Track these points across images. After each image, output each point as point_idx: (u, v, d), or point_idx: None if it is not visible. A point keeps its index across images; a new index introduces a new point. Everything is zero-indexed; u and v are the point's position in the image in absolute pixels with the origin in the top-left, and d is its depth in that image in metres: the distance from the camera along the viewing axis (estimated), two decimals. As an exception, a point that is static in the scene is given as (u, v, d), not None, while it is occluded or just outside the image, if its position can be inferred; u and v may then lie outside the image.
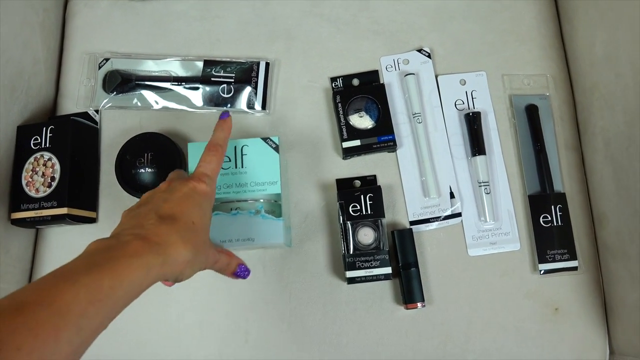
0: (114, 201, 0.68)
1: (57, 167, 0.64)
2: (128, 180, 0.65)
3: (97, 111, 0.70)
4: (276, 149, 0.59)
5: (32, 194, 0.64)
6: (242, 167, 0.59)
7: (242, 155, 0.59)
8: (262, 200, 0.59)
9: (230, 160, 0.59)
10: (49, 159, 0.64)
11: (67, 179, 0.63)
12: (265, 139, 0.60)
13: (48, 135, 0.65)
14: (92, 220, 0.67)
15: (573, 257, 0.64)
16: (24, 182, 0.64)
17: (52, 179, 0.64)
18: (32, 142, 0.65)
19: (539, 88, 0.69)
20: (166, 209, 0.46)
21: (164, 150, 0.65)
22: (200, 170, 0.52)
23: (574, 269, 0.64)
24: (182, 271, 0.45)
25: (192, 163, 0.59)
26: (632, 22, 0.56)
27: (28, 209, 0.63)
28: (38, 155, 0.65)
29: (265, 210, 0.58)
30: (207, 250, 0.49)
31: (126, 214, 0.49)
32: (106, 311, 0.37)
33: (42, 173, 0.64)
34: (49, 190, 0.63)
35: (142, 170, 0.64)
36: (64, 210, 0.62)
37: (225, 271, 0.53)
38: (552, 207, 0.65)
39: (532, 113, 0.67)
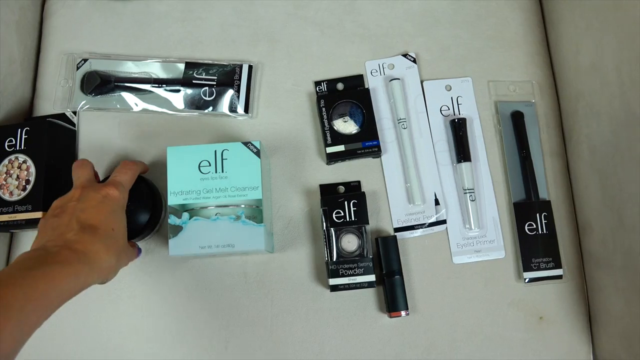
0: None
1: (33, 170, 0.62)
2: None
3: (74, 113, 0.68)
4: (257, 153, 0.58)
5: (6, 197, 0.62)
6: (223, 171, 0.58)
7: (222, 159, 0.58)
8: (243, 206, 0.58)
9: (210, 165, 0.58)
10: (24, 162, 0.62)
11: (42, 183, 0.61)
12: (246, 143, 0.58)
13: (23, 137, 0.63)
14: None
15: (558, 265, 0.63)
16: None
17: (27, 182, 0.61)
18: (6, 143, 0.63)
19: (524, 95, 0.68)
20: (85, 218, 0.49)
21: (139, 192, 0.61)
22: (114, 178, 0.56)
23: (559, 277, 0.63)
24: (107, 275, 0.50)
25: (172, 167, 0.57)
26: (618, 30, 0.56)
27: (1, 213, 0.61)
28: (12, 157, 0.62)
29: (246, 216, 0.57)
30: (127, 251, 0.54)
31: (43, 224, 0.51)
32: (41, 310, 0.40)
33: (16, 176, 0.62)
34: (23, 194, 0.61)
35: None
36: (38, 215, 0.60)
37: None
38: (537, 214, 0.64)
39: (517, 120, 0.67)
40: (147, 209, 0.61)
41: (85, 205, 0.51)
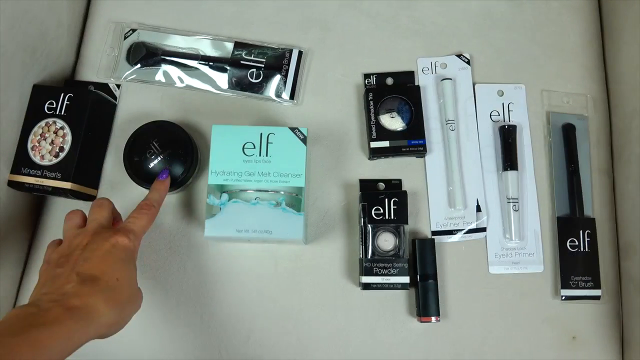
0: (115, 182, 0.65)
1: (69, 138, 0.61)
2: (136, 169, 0.60)
3: (117, 86, 0.67)
4: (304, 140, 0.57)
5: (37, 159, 0.61)
6: (267, 155, 0.56)
7: (267, 143, 0.57)
8: (283, 193, 0.56)
9: (254, 147, 0.56)
10: (61, 128, 0.61)
11: (76, 153, 0.60)
12: (293, 129, 0.57)
13: (65, 102, 0.62)
14: (92, 198, 0.64)
15: (597, 285, 0.62)
16: (29, 145, 0.61)
17: (61, 149, 0.60)
18: (46, 105, 0.62)
19: (577, 108, 0.66)
20: (87, 269, 0.46)
21: (176, 141, 0.61)
22: (127, 225, 0.52)
23: (597, 298, 0.62)
24: (107, 330, 0.46)
25: (215, 146, 0.56)
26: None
27: (29, 175, 0.60)
28: (50, 121, 0.61)
29: (286, 204, 0.55)
30: (136, 300, 0.50)
31: (45, 271, 0.49)
32: None
33: (51, 140, 0.61)
34: (55, 160, 0.60)
35: (151, 161, 0.60)
36: (67, 185, 0.60)
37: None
38: (581, 231, 0.62)
39: (568, 132, 0.65)
40: (181, 162, 0.60)
41: (90, 254, 0.47)
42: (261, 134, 0.57)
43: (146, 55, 0.66)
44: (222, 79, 0.67)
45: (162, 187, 0.57)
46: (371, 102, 0.64)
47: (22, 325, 0.39)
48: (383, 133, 0.63)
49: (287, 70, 0.66)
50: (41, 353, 0.38)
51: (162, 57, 0.67)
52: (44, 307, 0.42)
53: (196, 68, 0.67)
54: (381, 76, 0.67)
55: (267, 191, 0.56)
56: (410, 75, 0.67)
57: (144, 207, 0.54)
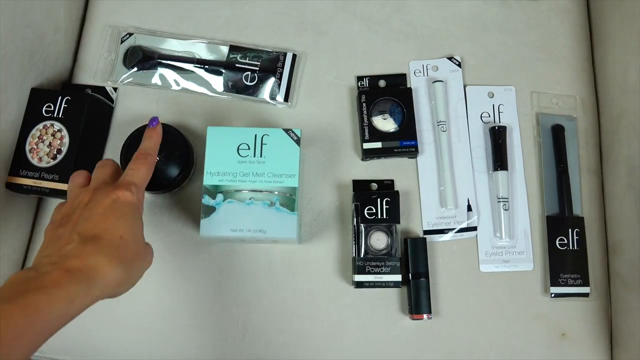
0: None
1: (66, 140, 0.62)
2: None
3: (114, 89, 0.68)
4: (297, 141, 0.58)
5: (34, 162, 0.62)
6: (261, 156, 0.57)
7: (262, 144, 0.58)
8: (277, 193, 0.57)
9: (249, 148, 0.57)
10: (59, 130, 0.62)
11: (74, 155, 0.61)
12: (287, 131, 0.58)
13: (62, 105, 0.63)
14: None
15: (586, 283, 0.63)
16: (27, 148, 0.62)
17: (59, 151, 0.61)
18: (44, 108, 0.63)
19: (566, 109, 0.68)
20: (88, 227, 0.44)
21: (172, 142, 0.61)
22: (126, 178, 0.50)
23: (585, 295, 0.63)
24: (115, 289, 0.44)
25: (211, 147, 0.57)
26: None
27: (27, 177, 0.61)
28: (48, 123, 0.62)
29: (280, 204, 0.57)
30: (144, 256, 0.49)
31: (49, 231, 0.47)
32: (22, 348, 0.36)
33: (49, 143, 0.62)
34: (52, 162, 0.61)
35: None
36: (64, 186, 0.60)
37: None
38: (570, 230, 0.63)
39: (558, 133, 0.66)
40: (177, 164, 0.61)
41: (90, 213, 0.46)
42: (255, 136, 0.58)
43: (142, 59, 0.67)
44: (217, 82, 0.68)
45: (154, 134, 0.56)
46: (364, 104, 0.65)
47: (18, 291, 0.37)
48: (375, 134, 0.64)
49: (281, 73, 0.67)
50: (38, 319, 0.36)
51: (159, 60, 0.68)
52: (42, 271, 0.40)
53: (192, 71, 0.68)
54: (374, 78, 0.68)
55: (261, 191, 0.57)
56: (402, 77, 0.68)
57: (140, 157, 0.53)
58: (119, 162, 0.61)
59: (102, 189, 0.48)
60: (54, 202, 0.66)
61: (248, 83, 0.67)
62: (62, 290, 0.38)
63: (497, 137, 0.65)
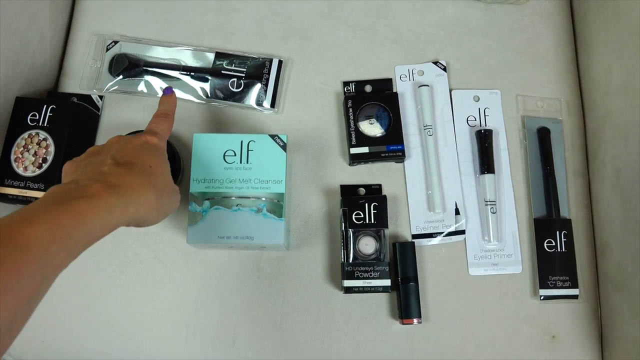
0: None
1: (52, 149, 0.61)
2: None
3: (100, 97, 0.68)
4: (284, 147, 0.58)
5: (20, 171, 0.61)
6: (247, 162, 0.57)
7: (248, 150, 0.58)
8: (264, 199, 0.57)
9: (235, 155, 0.57)
10: (44, 139, 0.62)
11: (59, 164, 0.61)
12: (273, 136, 0.58)
13: (47, 114, 0.62)
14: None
15: (574, 285, 0.63)
16: (12, 157, 0.62)
17: (44, 160, 0.61)
18: (29, 117, 0.62)
19: (552, 112, 0.68)
20: (121, 156, 0.46)
21: None
22: (150, 127, 0.53)
23: (574, 297, 0.63)
24: (146, 215, 0.45)
25: (197, 154, 0.57)
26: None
27: (13, 186, 0.61)
28: (33, 132, 0.62)
29: (267, 210, 0.56)
30: (171, 193, 0.50)
31: (71, 164, 0.48)
32: (68, 250, 0.37)
33: (34, 152, 0.61)
34: (38, 171, 0.61)
35: None
36: None
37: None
38: (558, 232, 0.64)
39: (543, 136, 0.66)
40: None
41: (122, 146, 0.48)
42: (242, 142, 0.58)
43: (128, 67, 0.67)
44: (203, 89, 0.67)
45: (170, 100, 0.58)
46: (350, 109, 0.65)
47: (64, 198, 0.38)
48: (362, 139, 0.64)
49: (267, 79, 0.67)
50: (83, 223, 0.37)
51: (144, 68, 0.67)
52: (82, 184, 0.41)
53: (178, 78, 0.68)
54: (360, 84, 0.68)
55: (248, 198, 0.57)
56: (388, 82, 0.68)
57: (160, 116, 0.55)
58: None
59: (128, 135, 0.51)
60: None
61: (234, 89, 0.67)
62: (103, 201, 0.40)
63: (484, 140, 0.65)
